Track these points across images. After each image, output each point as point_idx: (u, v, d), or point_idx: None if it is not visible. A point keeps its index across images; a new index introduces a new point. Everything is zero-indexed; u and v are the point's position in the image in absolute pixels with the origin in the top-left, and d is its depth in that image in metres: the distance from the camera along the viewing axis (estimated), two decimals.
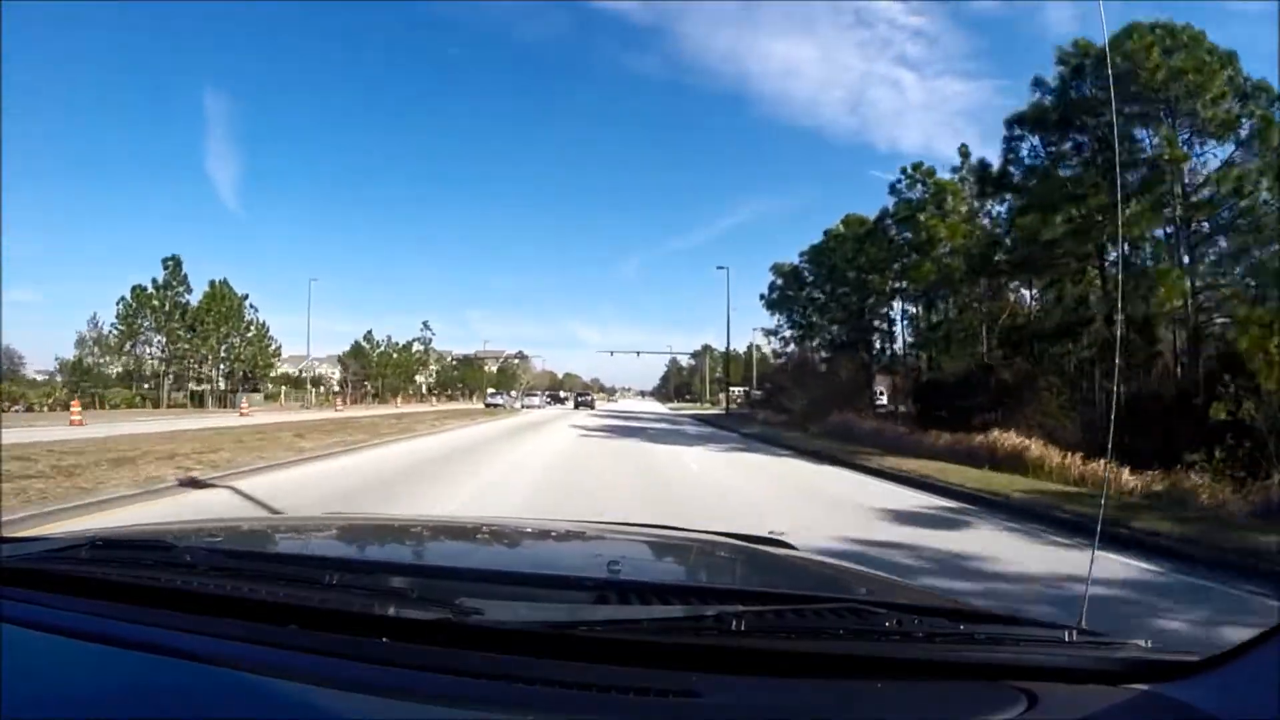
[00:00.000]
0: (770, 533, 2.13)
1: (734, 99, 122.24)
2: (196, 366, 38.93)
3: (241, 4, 79.61)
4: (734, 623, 0.80)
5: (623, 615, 0.89)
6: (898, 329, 29.20)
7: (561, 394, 76.45)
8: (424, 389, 64.78)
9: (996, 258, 19.34)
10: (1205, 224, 15.28)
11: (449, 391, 69.38)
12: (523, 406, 49.57)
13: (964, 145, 24.35)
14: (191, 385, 38.78)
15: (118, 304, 36.27)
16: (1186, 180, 14.96)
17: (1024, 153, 18.22)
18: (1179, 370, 15.33)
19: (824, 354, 33.75)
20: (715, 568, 1.50)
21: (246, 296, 40.53)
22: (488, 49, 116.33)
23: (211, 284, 38.81)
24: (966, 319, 22.97)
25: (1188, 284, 14.49)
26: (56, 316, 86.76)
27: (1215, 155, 15.16)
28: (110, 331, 37.08)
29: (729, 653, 0.80)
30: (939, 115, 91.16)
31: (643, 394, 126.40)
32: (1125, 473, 9.50)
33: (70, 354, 37.63)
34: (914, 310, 27.49)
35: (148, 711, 0.71)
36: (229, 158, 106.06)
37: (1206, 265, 15.17)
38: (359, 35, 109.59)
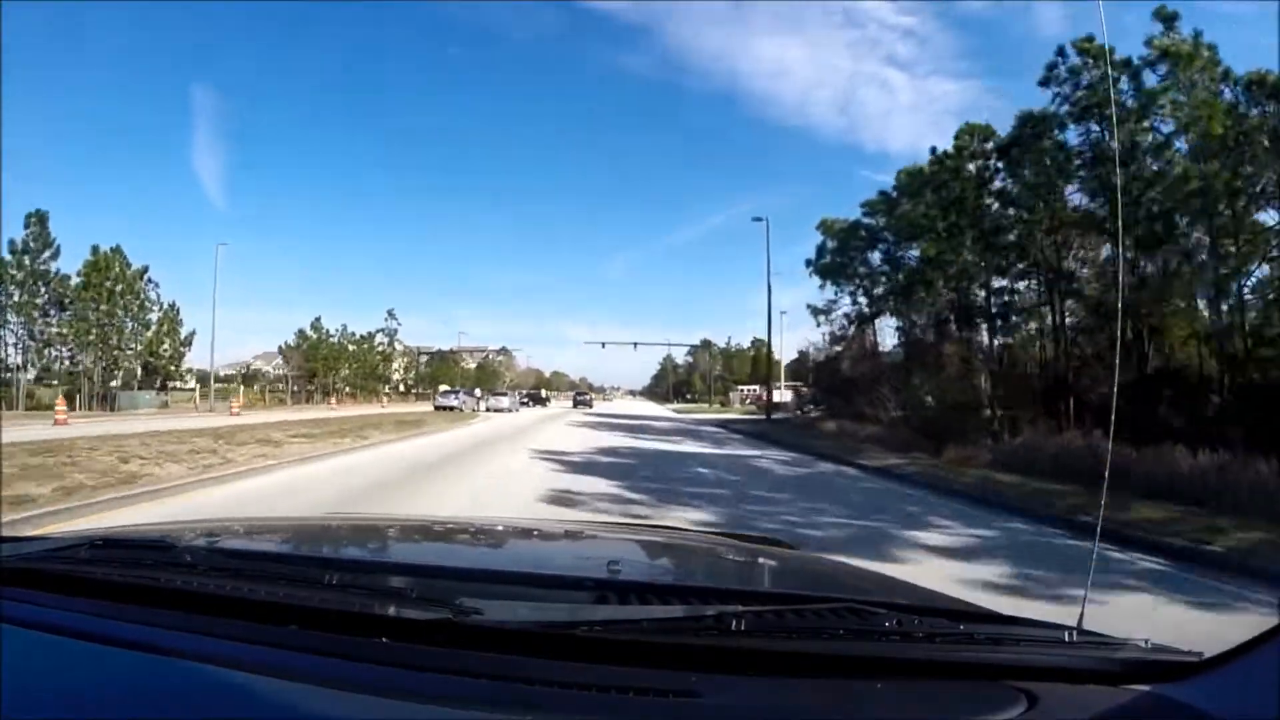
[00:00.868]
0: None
1: (724, 98, 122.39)
2: (67, 357, 30.49)
3: (233, 2, 79.29)
4: (734, 623, 0.80)
5: (622, 615, 0.89)
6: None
7: (543, 394, 61.74)
8: (401, 387, 57.58)
9: None
10: None
11: (416, 390, 58.58)
12: (488, 409, 36.34)
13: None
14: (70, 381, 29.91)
15: None
16: None
17: None
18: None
19: (931, 338, 21.77)
20: (715, 568, 1.50)
21: (146, 270, 31.65)
22: (476, 46, 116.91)
23: (94, 250, 29.90)
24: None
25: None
26: None
27: None
28: None
29: (729, 653, 0.80)
30: (928, 115, 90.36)
31: (633, 393, 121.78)
32: None
33: None
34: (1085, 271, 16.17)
35: (148, 711, 0.71)
36: (216, 153, 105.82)
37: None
38: (345, 32, 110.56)
